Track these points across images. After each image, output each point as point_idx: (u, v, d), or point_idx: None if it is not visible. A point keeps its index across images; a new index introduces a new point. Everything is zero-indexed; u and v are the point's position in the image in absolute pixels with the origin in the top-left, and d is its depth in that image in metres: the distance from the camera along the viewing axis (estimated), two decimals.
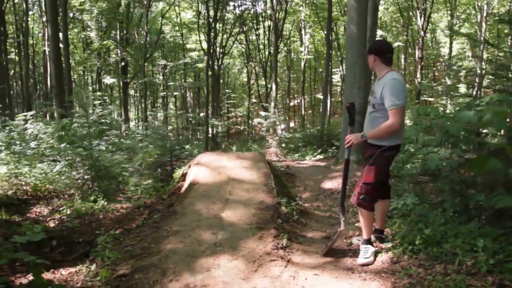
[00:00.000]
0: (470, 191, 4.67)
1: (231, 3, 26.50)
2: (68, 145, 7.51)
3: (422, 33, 21.12)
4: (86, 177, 7.52)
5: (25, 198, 7.52)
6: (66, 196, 7.58)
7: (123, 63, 23.30)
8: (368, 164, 3.98)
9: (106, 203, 6.47)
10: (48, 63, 21.58)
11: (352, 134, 4.01)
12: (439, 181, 4.87)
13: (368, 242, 4.07)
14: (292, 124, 30.22)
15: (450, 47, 25.36)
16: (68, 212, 6.12)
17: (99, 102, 10.00)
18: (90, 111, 7.68)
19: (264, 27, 27.27)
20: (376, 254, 4.04)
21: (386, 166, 4.03)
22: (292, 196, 6.23)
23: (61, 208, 6.56)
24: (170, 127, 18.67)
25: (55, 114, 13.63)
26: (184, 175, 5.99)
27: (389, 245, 4.16)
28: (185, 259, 3.77)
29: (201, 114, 21.70)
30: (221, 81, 30.27)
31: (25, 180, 8.09)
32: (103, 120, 8.33)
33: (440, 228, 4.21)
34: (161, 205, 5.31)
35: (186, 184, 5.57)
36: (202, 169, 5.81)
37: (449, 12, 24.67)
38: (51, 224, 5.77)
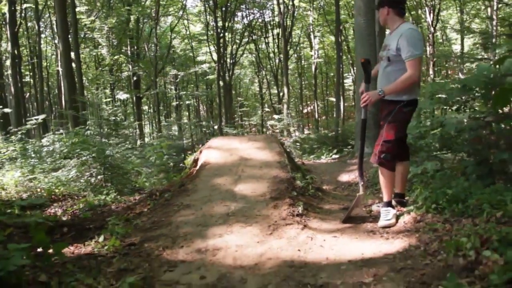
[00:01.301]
0: (492, 151, 4.44)
1: (239, 13, 26.71)
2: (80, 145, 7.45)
3: (432, 29, 20.86)
4: (99, 177, 7.46)
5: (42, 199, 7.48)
6: (80, 197, 7.52)
7: (135, 78, 23.50)
8: (387, 121, 3.80)
9: (118, 196, 6.36)
10: (61, 83, 21.93)
11: (369, 92, 3.82)
12: (459, 145, 4.64)
13: (389, 204, 3.88)
14: (306, 131, 30.05)
15: (462, 43, 25.03)
16: (81, 206, 6.02)
17: (109, 100, 9.98)
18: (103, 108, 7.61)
19: (273, 35, 27.32)
20: (397, 217, 3.82)
21: (405, 122, 3.86)
22: (306, 175, 6.03)
23: (74, 206, 6.48)
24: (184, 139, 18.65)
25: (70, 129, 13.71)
26: (195, 161, 5.85)
27: (411, 207, 3.94)
28: (196, 228, 3.62)
29: (215, 127, 21.71)
30: (233, 92, 30.34)
31: (40, 185, 8.07)
32: (114, 118, 8.30)
33: (464, 189, 3.99)
34: (172, 188, 5.17)
35: (197, 167, 5.43)
36: (214, 152, 5.67)
37: (458, 8, 24.42)
38: (64, 218, 5.67)
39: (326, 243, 3.31)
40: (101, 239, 3.50)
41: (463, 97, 4.93)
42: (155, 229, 3.71)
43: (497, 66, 3.66)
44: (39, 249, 2.81)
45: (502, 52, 3.79)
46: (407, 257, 2.86)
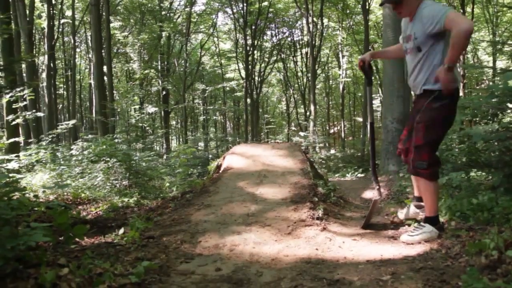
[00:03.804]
0: None
1: (268, 32, 27.02)
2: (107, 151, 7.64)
3: None
4: (124, 182, 7.59)
5: (65, 203, 7.65)
6: (105, 201, 7.66)
7: (164, 93, 23.97)
8: (415, 123, 3.37)
9: (141, 200, 6.45)
10: (93, 96, 22.60)
11: (438, 75, 3.13)
12: (486, 154, 4.53)
13: (430, 221, 3.32)
14: (332, 151, 29.88)
15: (494, 65, 24.56)
16: (105, 207, 6.13)
17: (138, 106, 10.22)
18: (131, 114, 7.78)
19: (301, 54, 27.49)
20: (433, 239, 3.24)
21: (436, 122, 3.27)
22: (329, 183, 5.99)
23: (98, 208, 6.60)
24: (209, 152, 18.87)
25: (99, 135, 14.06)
26: (218, 166, 5.90)
27: None
28: (215, 226, 3.62)
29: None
30: (260, 109, 30.52)
31: (67, 189, 8.25)
32: (141, 124, 8.46)
33: (490, 199, 3.87)
34: (194, 190, 5.21)
35: (220, 172, 5.47)
36: (237, 157, 5.71)
37: (491, 30, 24.06)
38: (88, 217, 5.78)
39: (345, 245, 3.26)
40: (121, 231, 3.55)
41: (491, 109, 4.84)
42: (174, 225, 3.74)
43: None
44: (60, 235, 2.88)
45: None
46: (427, 259, 2.79)
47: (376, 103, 29.39)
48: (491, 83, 24.96)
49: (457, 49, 3.00)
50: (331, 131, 33.72)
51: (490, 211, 3.62)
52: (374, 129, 3.97)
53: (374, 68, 25.31)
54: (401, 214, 4.09)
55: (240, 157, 5.71)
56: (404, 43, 3.51)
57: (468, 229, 3.31)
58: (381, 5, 3.58)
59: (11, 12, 11.26)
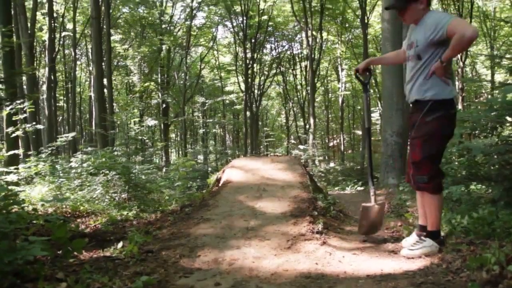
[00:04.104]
0: None
1: (268, 45, 27.21)
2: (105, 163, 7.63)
3: (461, 63, 20.69)
4: (123, 195, 7.56)
5: (64, 217, 7.61)
6: (104, 214, 7.63)
7: (164, 105, 24.05)
8: (410, 138, 3.35)
9: (140, 213, 6.43)
10: (93, 108, 22.69)
11: (432, 68, 3.16)
12: (485, 168, 4.53)
13: (431, 235, 3.28)
14: (332, 164, 29.88)
15: (492, 79, 24.68)
16: (104, 221, 6.10)
17: (138, 119, 10.25)
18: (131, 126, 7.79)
19: (301, 67, 27.64)
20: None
21: (432, 136, 3.19)
22: (328, 197, 5.98)
23: (97, 221, 6.58)
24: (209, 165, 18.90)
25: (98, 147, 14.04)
26: (218, 180, 5.90)
27: None
28: (215, 240, 3.61)
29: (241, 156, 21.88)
30: (260, 122, 30.60)
31: (66, 202, 8.22)
32: (140, 137, 8.46)
33: (491, 212, 3.86)
34: (193, 203, 5.20)
35: (219, 185, 5.47)
36: (236, 171, 5.70)
37: (488, 43, 24.25)
38: (86, 231, 5.75)
39: (345, 259, 3.24)
40: (119, 245, 3.52)
41: (490, 123, 4.86)
42: (173, 239, 3.72)
43: None
44: (59, 248, 2.86)
45: None
46: (428, 273, 2.78)
47: (376, 116, 29.51)
48: (489, 96, 25.05)
49: (456, 51, 3.11)
50: (331, 144, 33.76)
51: (491, 225, 3.61)
52: (371, 133, 4.01)
53: (373, 78, 25.51)
54: (405, 242, 3.89)
55: (239, 171, 5.71)
56: (407, 50, 3.45)
57: (468, 244, 3.30)
58: (386, 9, 3.56)
59: (12, 25, 11.32)
